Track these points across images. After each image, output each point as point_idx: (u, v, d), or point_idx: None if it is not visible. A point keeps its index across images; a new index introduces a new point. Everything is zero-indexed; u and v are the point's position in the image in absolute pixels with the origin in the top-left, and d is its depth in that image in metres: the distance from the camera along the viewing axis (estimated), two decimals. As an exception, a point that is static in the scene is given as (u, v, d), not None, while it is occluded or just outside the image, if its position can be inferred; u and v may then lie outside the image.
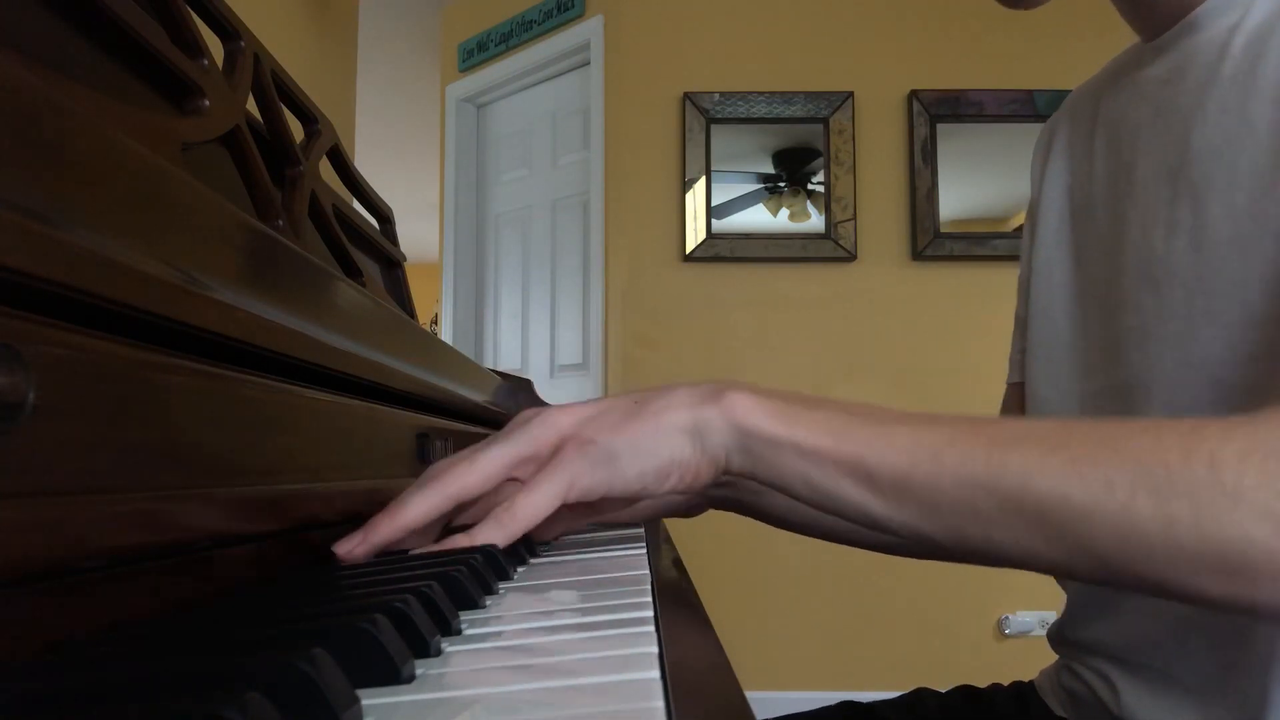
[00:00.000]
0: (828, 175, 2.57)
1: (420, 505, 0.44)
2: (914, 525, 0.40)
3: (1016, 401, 0.71)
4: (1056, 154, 0.67)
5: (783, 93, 2.60)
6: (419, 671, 0.25)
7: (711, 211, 2.58)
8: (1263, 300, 0.47)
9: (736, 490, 0.66)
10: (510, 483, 0.46)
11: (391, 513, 0.44)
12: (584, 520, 0.57)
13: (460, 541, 0.44)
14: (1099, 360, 0.60)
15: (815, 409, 0.43)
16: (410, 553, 0.45)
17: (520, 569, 0.46)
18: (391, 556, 0.45)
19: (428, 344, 0.74)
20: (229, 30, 0.61)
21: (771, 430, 0.42)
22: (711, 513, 0.71)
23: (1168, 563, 0.35)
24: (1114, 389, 0.58)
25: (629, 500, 0.48)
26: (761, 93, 2.60)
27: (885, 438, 0.41)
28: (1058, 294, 0.65)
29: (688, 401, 0.44)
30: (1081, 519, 0.36)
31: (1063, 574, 0.39)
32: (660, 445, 0.44)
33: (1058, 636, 0.66)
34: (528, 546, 0.50)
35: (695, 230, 2.58)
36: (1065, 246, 0.65)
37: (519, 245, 3.17)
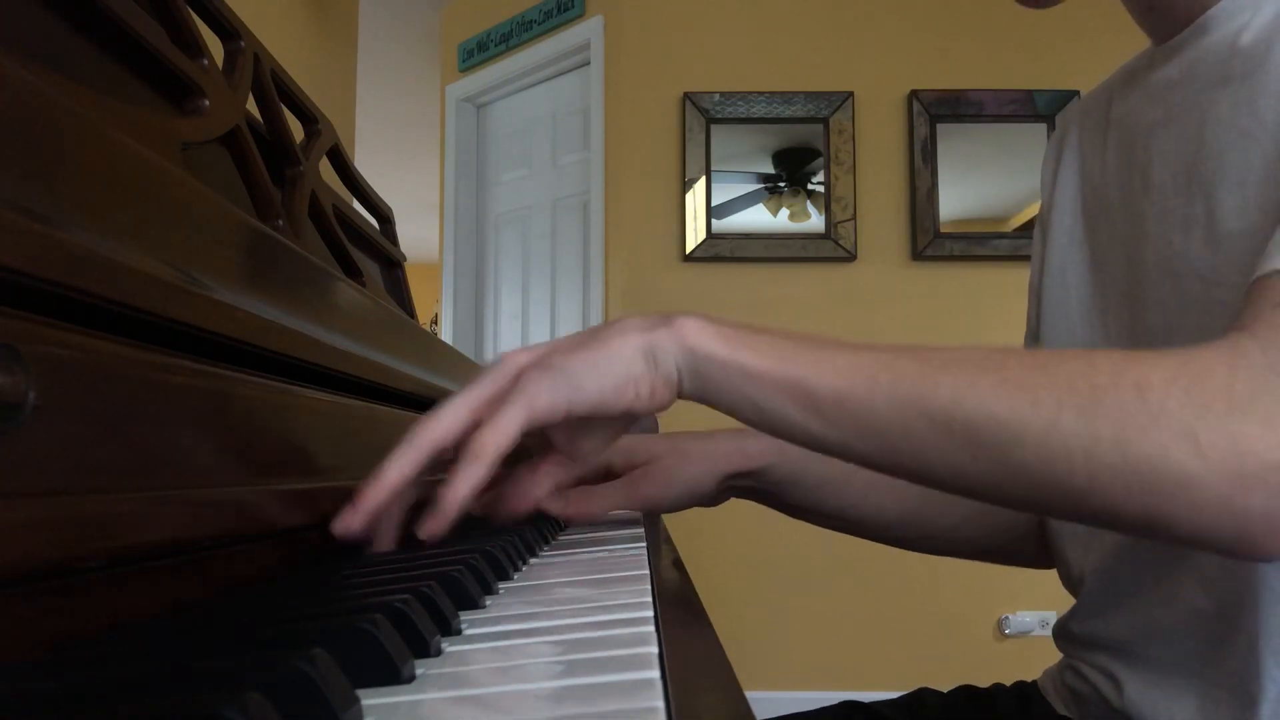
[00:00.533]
0: (828, 175, 2.57)
1: (398, 465, 0.44)
2: (851, 445, 0.42)
3: None
4: (1068, 158, 0.67)
5: (783, 93, 2.59)
6: (419, 671, 0.25)
7: (711, 211, 2.58)
8: None
9: (758, 480, 0.67)
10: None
11: (375, 478, 0.44)
12: (599, 504, 0.58)
13: (441, 490, 0.44)
14: None
15: (761, 334, 0.45)
16: (412, 551, 0.45)
17: (520, 568, 0.46)
18: (391, 556, 0.45)
19: (428, 344, 0.74)
20: (229, 30, 0.61)
21: (720, 352, 0.44)
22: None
23: (1090, 480, 0.36)
24: None
25: (588, 432, 0.48)
26: (761, 93, 2.59)
27: (826, 361, 0.43)
28: (1074, 295, 0.65)
29: (640, 326, 0.46)
30: (1008, 437, 0.37)
31: (993, 495, 0.41)
32: (615, 362, 0.45)
33: (1062, 632, 0.66)
34: (528, 546, 0.50)
35: (695, 230, 2.58)
36: (1080, 248, 0.65)
37: (519, 245, 3.16)
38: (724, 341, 0.44)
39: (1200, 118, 0.53)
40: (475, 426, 0.45)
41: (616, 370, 0.45)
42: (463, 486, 0.43)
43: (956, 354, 0.41)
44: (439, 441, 0.45)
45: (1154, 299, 0.56)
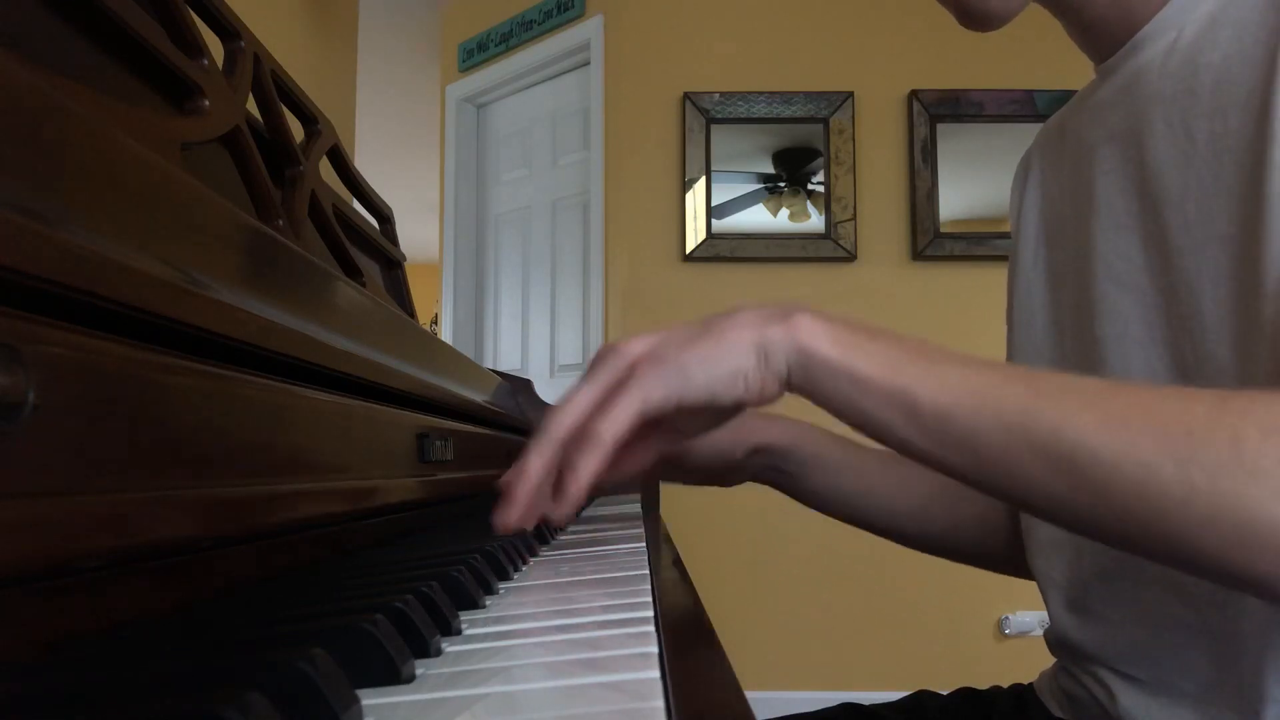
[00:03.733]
0: (828, 175, 2.57)
1: (538, 456, 0.47)
2: (951, 461, 0.43)
3: None
4: (1031, 185, 0.70)
5: (783, 93, 2.59)
6: (419, 671, 0.25)
7: (711, 211, 2.57)
8: (1214, 305, 0.49)
9: (782, 460, 0.70)
10: None
11: (519, 470, 0.47)
12: (663, 444, 0.58)
13: (566, 476, 0.46)
14: (1078, 370, 0.62)
15: (876, 339, 0.45)
16: (410, 548, 0.45)
17: (520, 568, 0.46)
18: (391, 556, 0.45)
19: (428, 344, 0.74)
20: (229, 30, 0.61)
21: (831, 355, 0.45)
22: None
23: (1181, 525, 0.36)
24: None
25: (699, 416, 0.49)
26: (761, 93, 2.59)
27: (936, 375, 0.43)
28: (1038, 315, 0.67)
29: (754, 321, 0.47)
30: (1106, 474, 0.38)
31: (1085, 524, 0.41)
32: (727, 356, 0.46)
33: (1052, 638, 0.66)
34: (528, 546, 0.50)
35: (695, 230, 2.58)
36: (1042, 268, 0.67)
37: (519, 245, 3.16)
38: (836, 344, 0.45)
39: (1138, 137, 0.55)
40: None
41: (728, 363, 0.46)
42: (585, 472, 0.45)
43: (1066, 382, 0.41)
44: (570, 430, 0.47)
45: (1102, 309, 0.58)
